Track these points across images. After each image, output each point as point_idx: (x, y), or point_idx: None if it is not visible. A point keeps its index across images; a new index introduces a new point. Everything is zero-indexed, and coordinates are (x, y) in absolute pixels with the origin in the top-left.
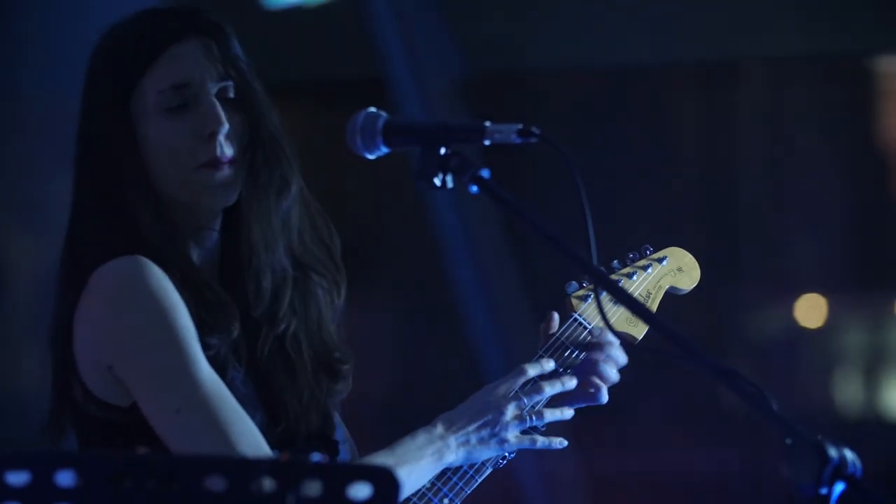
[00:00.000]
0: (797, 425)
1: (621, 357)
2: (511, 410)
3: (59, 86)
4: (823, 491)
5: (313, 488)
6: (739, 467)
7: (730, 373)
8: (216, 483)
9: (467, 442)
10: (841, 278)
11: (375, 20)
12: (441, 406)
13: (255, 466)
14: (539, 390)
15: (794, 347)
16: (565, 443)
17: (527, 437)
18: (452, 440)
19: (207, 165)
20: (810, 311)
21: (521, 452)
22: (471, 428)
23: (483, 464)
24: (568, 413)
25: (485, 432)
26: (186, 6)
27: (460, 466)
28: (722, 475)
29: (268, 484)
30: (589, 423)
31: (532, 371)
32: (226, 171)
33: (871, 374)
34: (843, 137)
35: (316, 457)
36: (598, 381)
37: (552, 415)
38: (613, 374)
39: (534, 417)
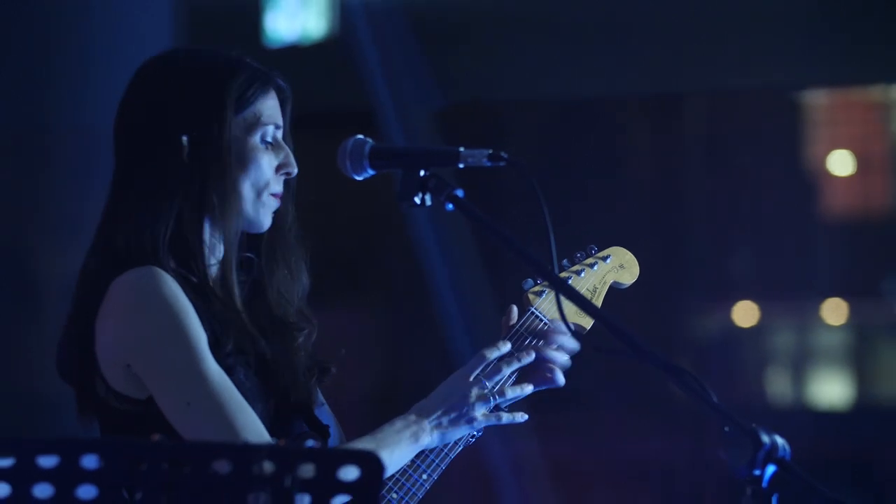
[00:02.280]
0: (734, 415)
1: (572, 344)
2: (475, 392)
3: (89, 115)
4: (757, 472)
5: (307, 471)
6: (685, 452)
7: (675, 368)
8: (222, 466)
9: (440, 424)
10: (773, 285)
11: (362, 60)
12: (421, 398)
13: (256, 452)
14: (498, 370)
15: (731, 346)
16: (526, 416)
17: (493, 415)
18: (426, 424)
19: (275, 195)
20: (746, 314)
21: (491, 438)
22: (441, 411)
23: (455, 443)
24: (528, 388)
25: (454, 414)
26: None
27: (410, 475)
28: (669, 459)
29: (267, 467)
30: (552, 414)
31: (490, 354)
32: (279, 204)
33: (799, 369)
34: (776, 161)
35: (310, 443)
36: (553, 365)
37: (513, 392)
38: (565, 359)
39: (496, 396)
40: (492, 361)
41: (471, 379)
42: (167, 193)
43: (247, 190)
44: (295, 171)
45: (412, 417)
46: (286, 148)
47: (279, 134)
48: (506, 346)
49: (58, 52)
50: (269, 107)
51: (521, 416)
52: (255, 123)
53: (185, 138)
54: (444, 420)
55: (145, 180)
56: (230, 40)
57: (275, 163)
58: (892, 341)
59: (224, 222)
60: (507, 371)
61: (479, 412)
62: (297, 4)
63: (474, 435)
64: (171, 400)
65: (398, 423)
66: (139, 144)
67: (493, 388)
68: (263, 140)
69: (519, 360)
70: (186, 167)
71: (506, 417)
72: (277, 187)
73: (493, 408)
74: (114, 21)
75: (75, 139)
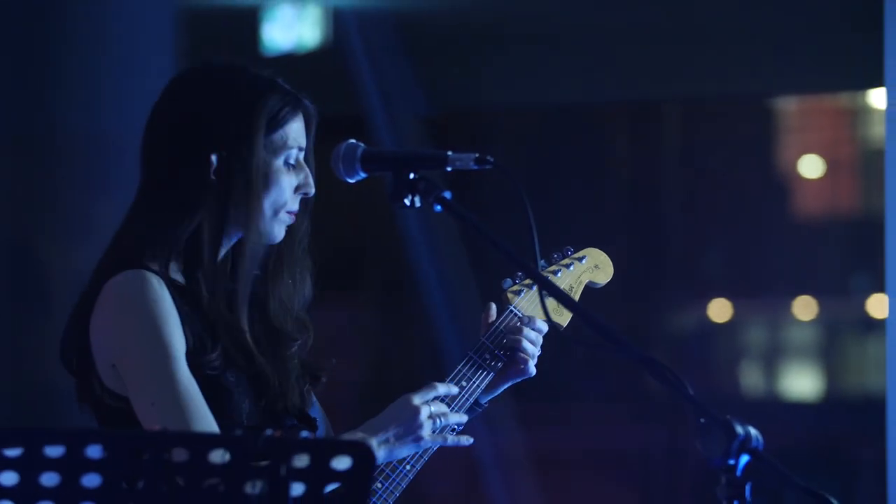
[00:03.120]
0: (709, 406)
1: (540, 326)
2: (424, 413)
3: (96, 121)
4: (731, 461)
5: (302, 461)
6: (662, 442)
7: (652, 361)
8: (220, 456)
9: (387, 441)
10: (746, 283)
11: (355, 68)
12: (409, 390)
13: (253, 442)
14: (442, 411)
15: (706, 341)
16: (471, 440)
17: (438, 436)
18: (374, 441)
19: (291, 212)
20: (720, 310)
21: (477, 428)
22: (390, 429)
23: (405, 465)
24: (464, 418)
25: (401, 430)
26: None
27: (395, 466)
28: (647, 449)
29: (263, 457)
30: (535, 405)
31: (441, 390)
32: (294, 220)
33: (770, 363)
34: (748, 165)
35: (304, 434)
36: (522, 355)
37: (456, 416)
38: (530, 347)
39: (441, 419)
40: (440, 395)
41: (420, 403)
42: (191, 206)
43: (266, 208)
44: (312, 191)
45: (359, 435)
46: (307, 169)
47: (301, 155)
48: (454, 390)
49: (67, 60)
50: (296, 129)
51: (467, 440)
52: (283, 146)
53: (214, 157)
54: (392, 437)
55: (171, 192)
56: (230, 49)
57: (294, 183)
58: (860, 336)
59: (246, 236)
60: (452, 420)
61: (426, 432)
62: (293, 16)
63: (459, 425)
64: (138, 399)
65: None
66: (168, 156)
67: (438, 413)
68: (287, 162)
69: (458, 412)
70: (213, 183)
71: (451, 439)
72: (294, 206)
73: (440, 429)
74: (120, 31)
75: (84, 144)
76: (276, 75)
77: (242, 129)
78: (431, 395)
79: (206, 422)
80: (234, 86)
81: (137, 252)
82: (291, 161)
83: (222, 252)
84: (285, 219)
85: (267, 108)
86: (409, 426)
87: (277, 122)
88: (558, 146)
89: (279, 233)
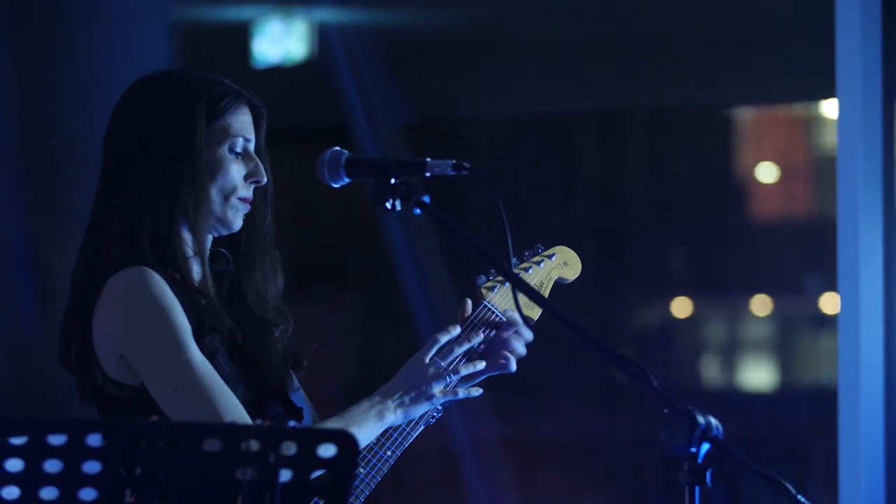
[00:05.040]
0: (672, 398)
1: (527, 334)
2: (432, 371)
3: (95, 126)
4: (693, 449)
5: (289, 448)
6: (627, 431)
7: (619, 355)
8: (213, 444)
9: (402, 403)
10: (707, 282)
11: (339, 80)
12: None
13: (244, 431)
14: (450, 351)
15: (669, 336)
16: (481, 391)
17: (449, 391)
18: (390, 403)
19: (243, 199)
20: (682, 307)
21: (453, 419)
22: (403, 391)
23: (417, 421)
24: (480, 365)
25: (414, 392)
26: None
27: (399, 425)
28: (614, 438)
29: (254, 445)
30: (508, 395)
31: (442, 338)
32: (249, 208)
33: (729, 357)
34: (708, 171)
35: (292, 423)
36: (507, 353)
37: (466, 369)
38: (519, 347)
39: (451, 375)
40: (444, 344)
41: (426, 360)
42: (145, 199)
43: (215, 194)
44: (264, 179)
45: (377, 399)
46: (256, 159)
47: (250, 146)
48: (455, 330)
49: (72, 73)
50: (240, 121)
51: (477, 391)
52: (225, 135)
53: (160, 150)
54: (406, 399)
55: (127, 188)
56: (222, 62)
57: (244, 171)
58: (813, 332)
59: (196, 223)
60: (458, 351)
61: (437, 389)
62: (281, 30)
63: (434, 416)
64: (160, 386)
65: (364, 404)
66: (121, 154)
67: (448, 366)
68: (233, 150)
69: (469, 341)
70: (161, 175)
71: (462, 392)
72: (245, 192)
73: (450, 384)
74: (119, 44)
75: (83, 148)
76: (266, 88)
77: (182, 119)
78: (435, 348)
79: (229, 398)
80: (176, 83)
81: (126, 250)
82: (238, 149)
83: (189, 239)
84: (237, 205)
85: (205, 99)
86: (420, 386)
87: (217, 113)
88: (531, 153)
89: (235, 220)
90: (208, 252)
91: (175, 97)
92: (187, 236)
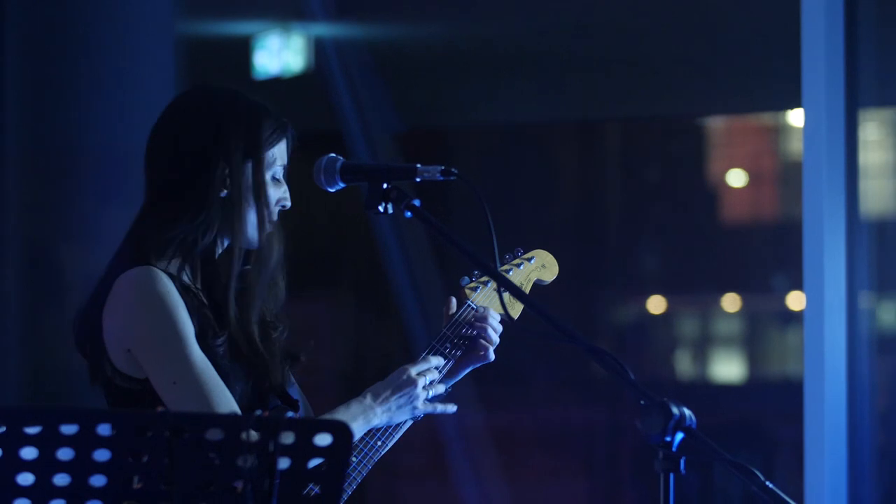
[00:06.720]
0: (648, 390)
1: (499, 328)
2: (420, 384)
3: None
4: (668, 439)
5: (287, 437)
6: (605, 421)
7: (597, 349)
8: (215, 434)
9: (389, 409)
10: (679, 281)
11: (334, 90)
12: (381, 377)
13: (245, 421)
14: (434, 381)
15: (644, 332)
16: (455, 407)
17: (430, 404)
18: (378, 408)
19: (271, 221)
20: (656, 304)
21: (442, 415)
22: (392, 397)
23: (398, 426)
24: (441, 388)
25: (402, 400)
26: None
27: (381, 427)
28: (592, 427)
29: (254, 434)
30: (494, 387)
31: (434, 362)
32: (272, 228)
33: (701, 351)
34: (681, 177)
35: (289, 414)
36: (485, 343)
37: (443, 387)
38: (495, 337)
39: (431, 391)
40: (432, 366)
41: (414, 375)
42: (194, 214)
43: (256, 218)
44: (289, 204)
45: (366, 402)
46: (285, 185)
47: (283, 172)
48: (442, 361)
49: (81, 82)
50: (282, 149)
51: (452, 407)
52: (273, 163)
53: (218, 171)
54: (393, 406)
55: (176, 201)
56: (225, 73)
57: (277, 196)
58: (780, 328)
59: (234, 241)
60: (440, 388)
61: (422, 400)
62: (280, 44)
63: (415, 421)
64: (160, 379)
65: (353, 406)
66: (174, 168)
67: (430, 383)
68: (273, 177)
69: (446, 359)
70: (215, 194)
71: (440, 407)
72: (275, 216)
73: (432, 397)
74: (127, 56)
75: (95, 157)
76: (266, 98)
77: (250, 146)
78: (426, 367)
79: (224, 394)
80: (234, 108)
81: (145, 252)
82: (277, 177)
83: (218, 252)
84: (268, 228)
85: (267, 130)
86: (407, 396)
87: (271, 143)
88: (514, 159)
89: (262, 239)
90: (237, 269)
91: (240, 121)
92: (219, 251)
